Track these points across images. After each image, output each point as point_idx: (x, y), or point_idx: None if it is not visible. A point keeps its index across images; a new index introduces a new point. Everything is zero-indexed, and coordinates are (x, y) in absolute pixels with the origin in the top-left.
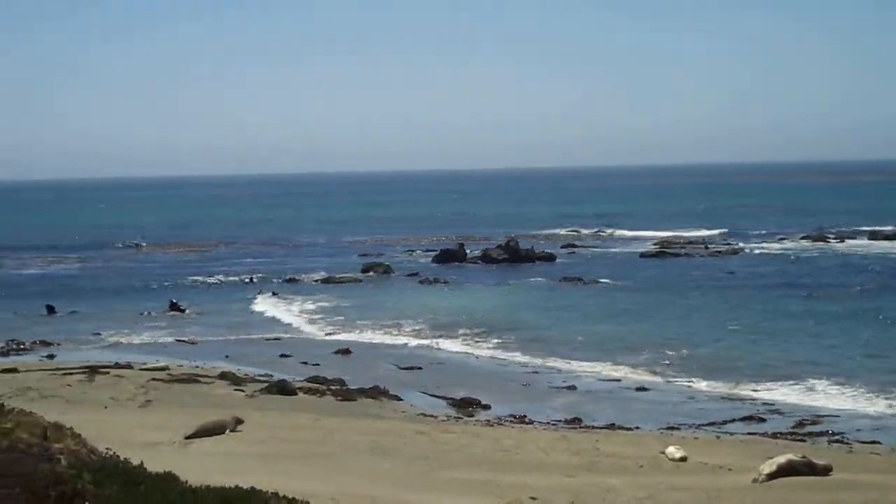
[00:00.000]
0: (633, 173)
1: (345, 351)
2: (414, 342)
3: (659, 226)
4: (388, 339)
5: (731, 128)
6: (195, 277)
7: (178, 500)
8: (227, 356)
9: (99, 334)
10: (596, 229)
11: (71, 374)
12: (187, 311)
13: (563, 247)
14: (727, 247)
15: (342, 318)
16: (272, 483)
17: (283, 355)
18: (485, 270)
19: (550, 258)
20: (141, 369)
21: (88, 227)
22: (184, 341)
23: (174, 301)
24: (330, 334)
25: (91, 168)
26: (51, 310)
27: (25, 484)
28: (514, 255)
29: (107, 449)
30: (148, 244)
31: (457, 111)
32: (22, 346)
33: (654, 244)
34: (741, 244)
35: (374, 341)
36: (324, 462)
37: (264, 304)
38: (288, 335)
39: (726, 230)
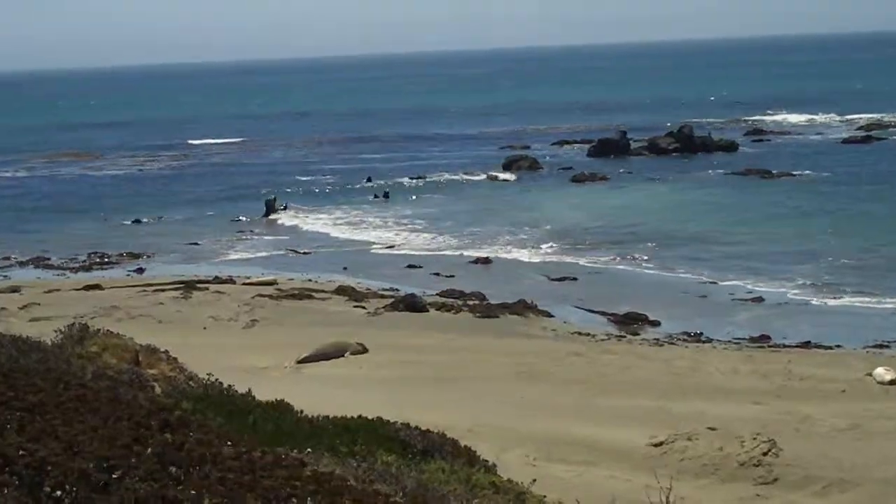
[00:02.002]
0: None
1: (483, 260)
2: (565, 251)
3: (853, 107)
4: (533, 248)
5: None
6: (303, 177)
7: (294, 430)
8: (345, 268)
9: (196, 244)
10: (780, 116)
11: (163, 290)
12: (283, 213)
13: (746, 133)
14: None
15: (478, 223)
16: (400, 413)
17: (410, 266)
18: (651, 163)
19: (731, 147)
20: (244, 283)
21: (169, 124)
22: (295, 251)
23: (272, 201)
24: (462, 247)
25: (106, 57)
26: (136, 221)
27: (121, 413)
28: (687, 145)
29: (208, 375)
30: (249, 140)
31: None
32: (107, 259)
33: (859, 129)
34: None
35: (517, 250)
36: (460, 389)
37: (383, 209)
38: (414, 244)
39: None
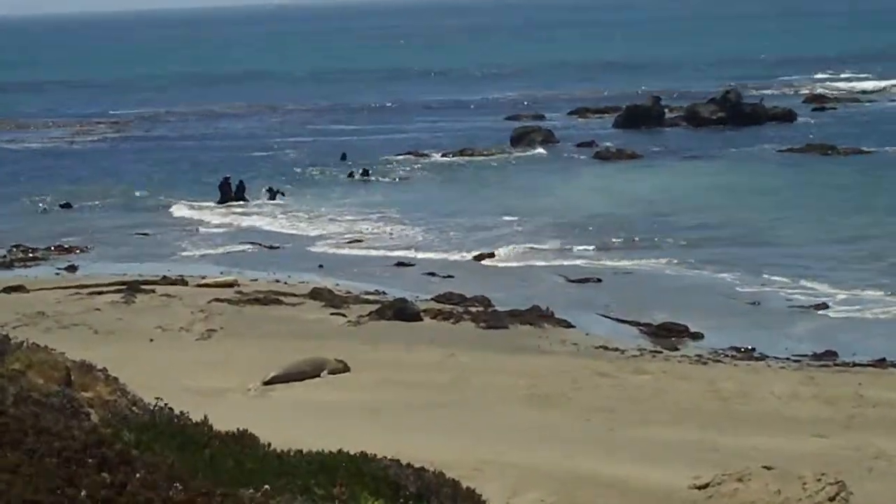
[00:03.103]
0: None
1: (488, 257)
2: (587, 246)
3: None
4: (549, 242)
5: None
6: (264, 153)
7: (260, 468)
8: (320, 265)
9: (144, 234)
10: (849, 79)
11: (101, 293)
12: (252, 199)
13: (805, 100)
14: None
15: (481, 212)
16: (388, 446)
17: (399, 264)
18: (690, 137)
19: (788, 117)
20: (199, 285)
21: (96, 87)
22: (258, 244)
23: (226, 179)
24: (462, 241)
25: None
26: (61, 205)
27: (50, 447)
28: (733, 114)
29: (156, 399)
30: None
31: None
32: (31, 254)
33: None
34: None
35: (528, 245)
36: (461, 417)
37: (364, 192)
38: (401, 239)
39: None
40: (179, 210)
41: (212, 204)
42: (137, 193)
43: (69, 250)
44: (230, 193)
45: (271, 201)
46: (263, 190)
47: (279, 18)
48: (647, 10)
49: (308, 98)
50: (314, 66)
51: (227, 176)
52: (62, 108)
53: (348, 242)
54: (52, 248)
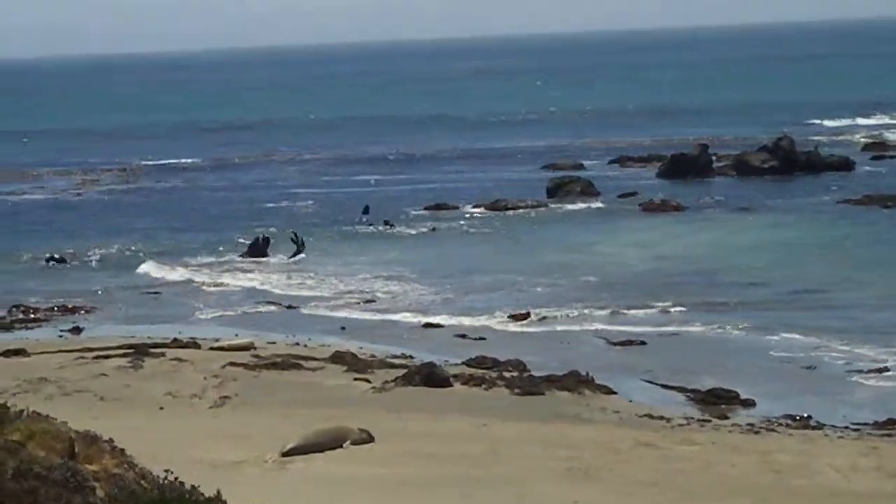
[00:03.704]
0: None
1: (522, 316)
2: (630, 307)
3: None
4: (589, 302)
5: None
6: (278, 204)
7: None
8: (342, 327)
9: (157, 293)
10: None
11: (107, 356)
12: (277, 256)
13: (864, 148)
14: None
15: (516, 269)
16: None
17: (428, 325)
18: (740, 187)
19: (845, 166)
20: (212, 348)
21: (101, 135)
22: (276, 303)
23: (262, 237)
24: (494, 300)
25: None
26: (56, 259)
27: None
28: (786, 163)
29: (165, 472)
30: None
31: None
32: (33, 315)
33: None
34: None
35: (566, 305)
36: (494, 492)
37: (387, 245)
38: (429, 298)
39: None
40: (190, 267)
41: (225, 260)
42: (146, 249)
43: (73, 310)
44: (259, 249)
45: (292, 258)
46: (290, 241)
47: (283, 62)
48: (696, 51)
49: (325, 146)
50: (330, 112)
51: (261, 234)
52: (65, 157)
53: (372, 302)
54: (55, 307)
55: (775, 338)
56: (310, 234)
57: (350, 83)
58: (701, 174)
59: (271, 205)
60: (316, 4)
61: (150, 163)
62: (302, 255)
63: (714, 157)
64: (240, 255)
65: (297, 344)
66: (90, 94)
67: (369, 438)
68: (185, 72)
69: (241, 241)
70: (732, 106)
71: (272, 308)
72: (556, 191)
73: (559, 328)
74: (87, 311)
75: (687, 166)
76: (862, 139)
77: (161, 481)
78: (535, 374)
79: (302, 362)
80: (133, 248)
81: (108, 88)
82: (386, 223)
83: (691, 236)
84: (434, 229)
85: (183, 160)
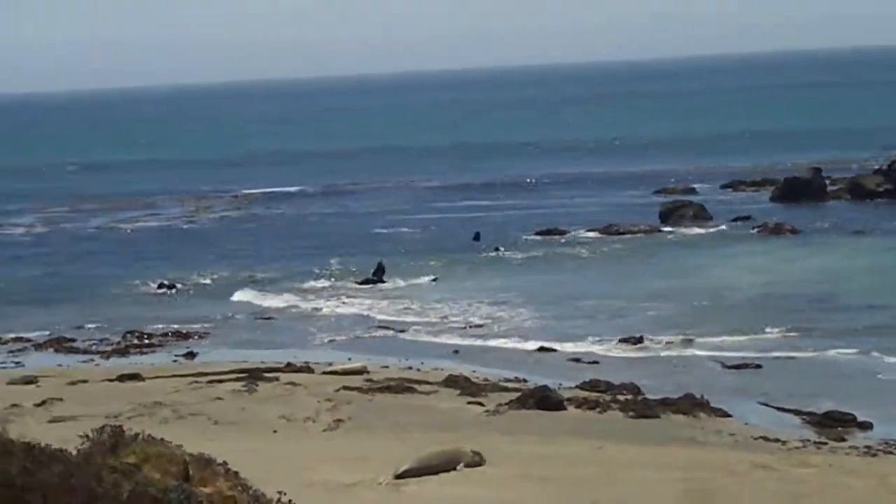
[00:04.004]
0: None
1: (637, 340)
2: (745, 330)
3: None
4: (704, 326)
5: None
6: (391, 230)
7: None
8: (455, 351)
9: (270, 318)
10: None
11: (221, 381)
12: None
13: None
14: None
15: (629, 294)
16: None
17: (541, 349)
18: (855, 211)
19: None
20: (326, 372)
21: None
22: (388, 327)
23: (380, 264)
24: (608, 324)
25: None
26: (167, 286)
27: None
28: None
29: (278, 494)
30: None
31: None
32: (147, 340)
33: None
34: None
35: (680, 329)
36: None
37: (497, 271)
38: (542, 322)
39: None
40: (303, 292)
41: (336, 285)
42: (259, 275)
43: (186, 336)
44: (377, 275)
45: (364, 283)
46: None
47: (397, 88)
48: (799, 75)
49: (437, 172)
50: (442, 138)
51: (380, 260)
52: (176, 185)
53: (484, 326)
54: (169, 333)
55: (892, 360)
56: (420, 260)
57: (446, 108)
58: (815, 198)
59: (383, 230)
60: (404, 35)
61: (259, 190)
62: (385, 283)
63: (828, 181)
64: (358, 282)
65: (410, 368)
66: (195, 122)
67: (481, 461)
68: (310, 99)
69: (352, 268)
70: (844, 129)
71: (384, 333)
72: (669, 215)
73: (673, 352)
74: (200, 336)
75: (801, 190)
76: None
77: (275, 503)
78: (650, 397)
79: (415, 386)
80: (246, 273)
81: (214, 118)
82: (496, 248)
83: (806, 260)
84: (545, 257)
85: (289, 188)
